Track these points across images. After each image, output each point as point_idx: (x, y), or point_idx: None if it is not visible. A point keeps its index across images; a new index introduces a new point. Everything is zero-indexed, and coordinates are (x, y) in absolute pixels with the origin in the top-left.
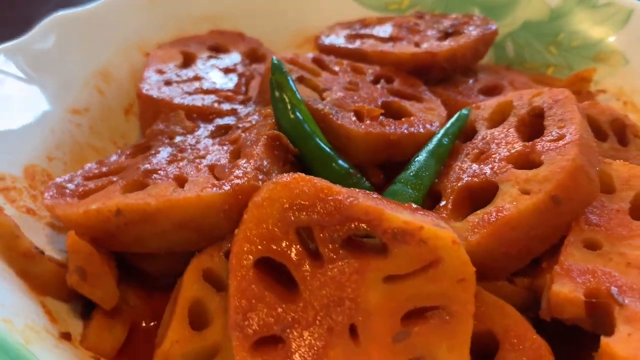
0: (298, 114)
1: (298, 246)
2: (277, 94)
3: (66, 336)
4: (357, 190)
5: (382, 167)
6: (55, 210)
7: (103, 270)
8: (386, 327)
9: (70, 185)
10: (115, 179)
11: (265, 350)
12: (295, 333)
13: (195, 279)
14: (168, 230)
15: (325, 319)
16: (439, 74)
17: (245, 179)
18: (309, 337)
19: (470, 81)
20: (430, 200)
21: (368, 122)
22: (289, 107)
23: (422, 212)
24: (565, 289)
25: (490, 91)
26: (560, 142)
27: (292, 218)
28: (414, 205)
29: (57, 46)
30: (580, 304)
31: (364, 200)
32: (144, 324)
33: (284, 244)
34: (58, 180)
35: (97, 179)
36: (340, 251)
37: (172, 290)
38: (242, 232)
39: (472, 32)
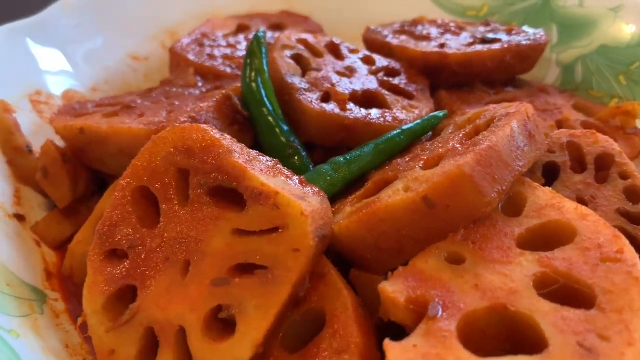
0: (259, 81)
1: (173, 183)
2: (247, 60)
3: (19, 217)
4: (241, 147)
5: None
6: (52, 123)
7: (62, 173)
8: (212, 270)
9: (77, 107)
10: (108, 109)
11: (112, 261)
12: (136, 252)
13: (110, 195)
14: (115, 154)
15: (166, 249)
16: (451, 78)
17: (174, 121)
18: (145, 259)
19: (491, 92)
20: (359, 187)
21: (330, 103)
22: (252, 74)
23: (304, 184)
24: (390, 287)
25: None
26: (468, 149)
27: (176, 158)
28: (300, 177)
29: (132, 2)
30: (401, 307)
31: (237, 157)
32: None
33: (162, 179)
34: (74, 103)
35: (101, 107)
36: (205, 197)
37: None
38: (133, 161)
39: (503, 42)
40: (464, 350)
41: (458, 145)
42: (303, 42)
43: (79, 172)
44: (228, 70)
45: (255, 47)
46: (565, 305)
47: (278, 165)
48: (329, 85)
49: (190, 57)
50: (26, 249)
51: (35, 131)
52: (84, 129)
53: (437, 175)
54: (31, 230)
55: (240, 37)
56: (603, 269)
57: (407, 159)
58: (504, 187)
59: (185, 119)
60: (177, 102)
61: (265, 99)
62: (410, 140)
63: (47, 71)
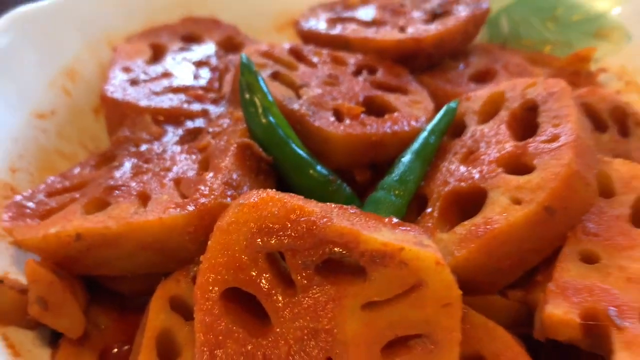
0: (270, 117)
1: (269, 274)
2: (247, 96)
3: None
4: (332, 207)
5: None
6: (13, 234)
7: (66, 298)
8: (365, 359)
9: (31, 204)
10: (77, 196)
11: None
12: None
13: (162, 307)
14: (132, 253)
15: (299, 354)
16: (426, 61)
17: (212, 196)
18: None
19: (461, 66)
20: (416, 205)
21: (348, 122)
22: (260, 110)
23: (404, 227)
24: (559, 310)
25: (482, 77)
26: (554, 143)
27: (261, 243)
28: (395, 220)
29: (14, 46)
30: (576, 326)
31: (339, 220)
32: (115, 350)
33: (253, 273)
34: (17, 198)
35: (59, 195)
36: (315, 277)
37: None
38: (206, 260)
39: (462, 12)
40: None
41: (541, 138)
42: (267, 55)
43: (76, 287)
44: (187, 107)
45: (249, 77)
46: None
47: (359, 211)
48: (334, 102)
49: (141, 102)
50: None
51: None
52: (82, 235)
53: (550, 181)
54: None
55: (167, 61)
56: None
57: (457, 163)
58: (596, 171)
59: (221, 188)
60: (175, 167)
61: (284, 136)
62: (440, 140)
63: None
